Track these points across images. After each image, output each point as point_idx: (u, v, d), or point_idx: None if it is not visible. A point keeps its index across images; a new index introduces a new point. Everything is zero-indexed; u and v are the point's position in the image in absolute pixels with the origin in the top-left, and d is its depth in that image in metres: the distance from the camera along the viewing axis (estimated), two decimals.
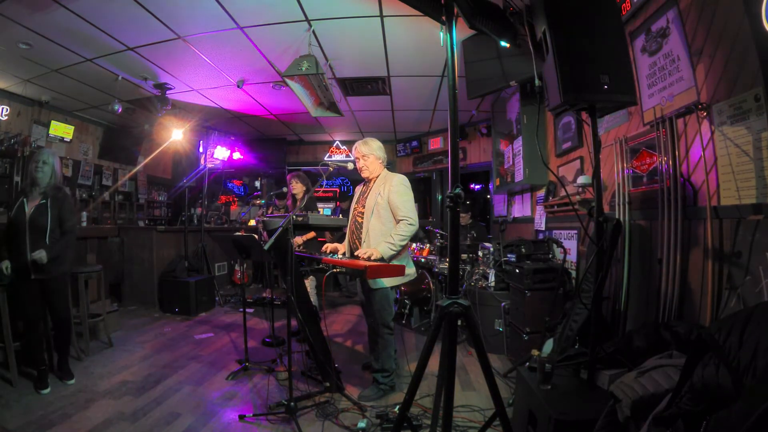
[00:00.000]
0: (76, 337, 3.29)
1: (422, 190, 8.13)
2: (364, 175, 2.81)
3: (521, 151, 4.46)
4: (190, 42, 3.94)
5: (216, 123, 6.86)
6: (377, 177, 2.78)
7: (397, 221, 2.61)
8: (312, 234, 4.01)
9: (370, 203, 2.70)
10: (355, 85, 5.09)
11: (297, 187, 4.19)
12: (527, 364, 2.15)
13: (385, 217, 2.65)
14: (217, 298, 5.51)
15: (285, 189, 4.50)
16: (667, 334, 1.90)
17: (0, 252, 2.70)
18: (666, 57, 2.42)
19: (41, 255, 2.63)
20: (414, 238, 4.49)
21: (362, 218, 2.74)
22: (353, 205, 2.91)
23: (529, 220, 4.86)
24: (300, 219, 2.50)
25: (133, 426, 2.28)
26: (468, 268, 4.14)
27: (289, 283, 2.37)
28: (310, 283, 4.12)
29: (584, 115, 1.93)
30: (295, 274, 2.40)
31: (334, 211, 7.99)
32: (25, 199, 2.74)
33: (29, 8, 3.25)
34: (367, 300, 2.72)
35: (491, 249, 3.94)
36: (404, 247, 2.63)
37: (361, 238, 2.71)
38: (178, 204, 7.56)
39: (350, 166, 2.84)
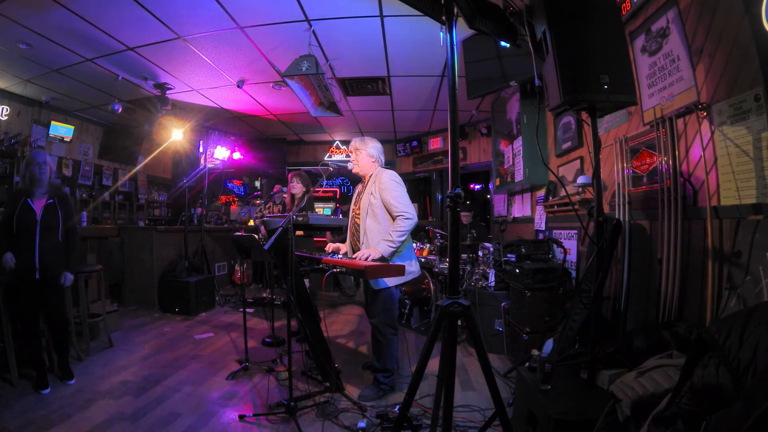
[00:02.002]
0: (76, 337, 3.29)
1: (422, 190, 8.12)
2: (355, 170, 2.82)
3: (521, 151, 4.46)
4: (190, 42, 3.94)
5: (216, 123, 6.87)
6: (371, 176, 2.78)
7: (394, 218, 2.60)
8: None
9: (365, 204, 2.71)
10: (355, 85, 5.09)
11: (297, 187, 4.19)
12: (527, 364, 2.15)
13: (381, 216, 2.65)
14: (217, 298, 5.51)
15: (284, 189, 4.50)
16: (667, 334, 1.90)
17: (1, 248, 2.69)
18: (666, 57, 2.42)
19: (67, 279, 2.87)
20: (415, 237, 4.49)
21: (359, 219, 2.74)
22: (351, 206, 2.92)
23: (529, 220, 4.86)
24: (300, 219, 2.51)
25: (133, 426, 2.28)
26: (468, 267, 4.14)
27: (289, 283, 2.37)
28: None
29: (584, 115, 1.93)
30: (295, 274, 2.40)
31: (335, 212, 7.99)
32: (29, 199, 2.75)
33: (29, 8, 3.25)
34: (371, 301, 2.72)
35: (491, 249, 3.94)
36: (404, 243, 2.63)
37: (360, 240, 2.72)
38: (178, 204, 7.57)
39: (350, 166, 2.84)
